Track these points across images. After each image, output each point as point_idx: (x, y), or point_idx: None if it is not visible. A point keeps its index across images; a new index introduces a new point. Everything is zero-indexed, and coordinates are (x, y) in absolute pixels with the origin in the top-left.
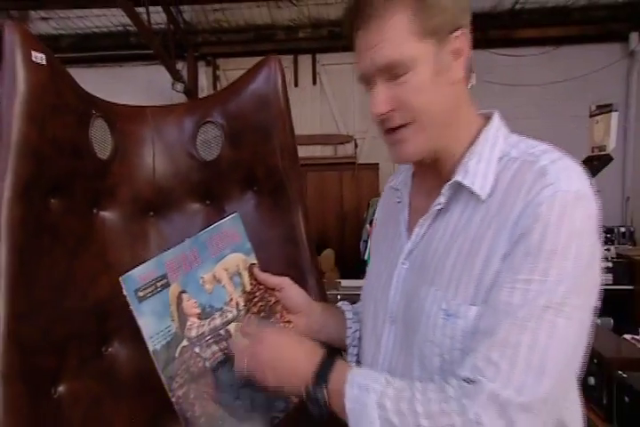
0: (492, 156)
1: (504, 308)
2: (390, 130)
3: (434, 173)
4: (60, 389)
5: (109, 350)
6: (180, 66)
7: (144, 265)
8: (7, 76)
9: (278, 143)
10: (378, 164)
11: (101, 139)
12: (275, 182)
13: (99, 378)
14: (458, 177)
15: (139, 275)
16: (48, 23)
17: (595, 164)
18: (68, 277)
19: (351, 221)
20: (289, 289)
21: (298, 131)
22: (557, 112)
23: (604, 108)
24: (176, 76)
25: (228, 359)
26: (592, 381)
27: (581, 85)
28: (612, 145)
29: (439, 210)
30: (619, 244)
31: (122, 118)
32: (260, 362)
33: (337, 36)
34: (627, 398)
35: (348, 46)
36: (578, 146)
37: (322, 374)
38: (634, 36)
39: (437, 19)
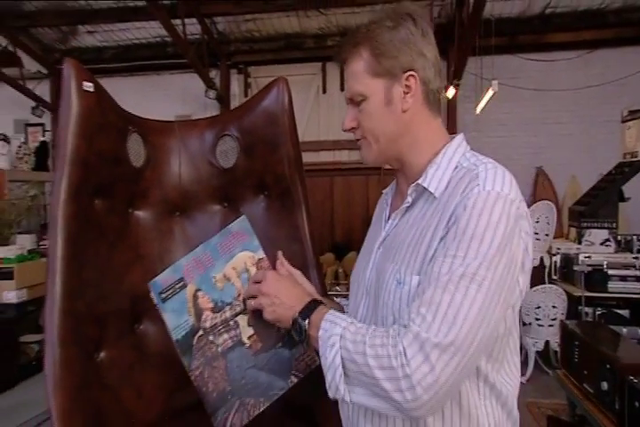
0: (448, 166)
1: (434, 275)
2: (357, 140)
3: (406, 179)
4: (102, 355)
5: (140, 327)
6: (214, 74)
7: (165, 272)
8: (64, 101)
9: (285, 154)
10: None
11: (136, 150)
12: (282, 188)
13: (131, 349)
14: (419, 180)
15: (161, 280)
16: (94, 36)
17: (626, 170)
18: (108, 264)
19: None
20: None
21: (325, 136)
22: (590, 117)
23: (637, 114)
24: (209, 83)
25: (236, 345)
26: (605, 386)
27: (617, 90)
28: None
29: (407, 207)
30: None
31: (153, 132)
32: (264, 298)
33: None
34: (638, 404)
35: None
36: (610, 152)
37: (306, 311)
38: None
39: (387, 64)
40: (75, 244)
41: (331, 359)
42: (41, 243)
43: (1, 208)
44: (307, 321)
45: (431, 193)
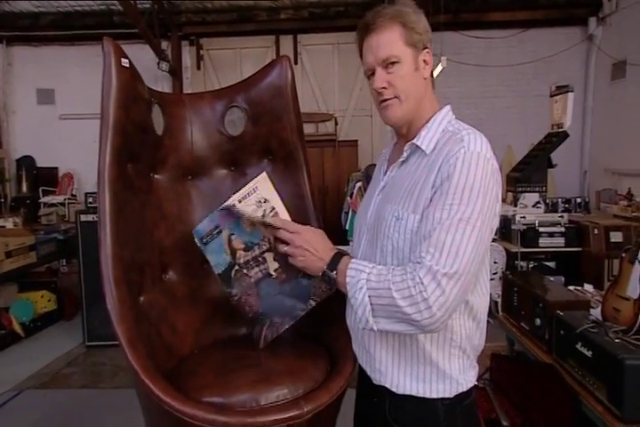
0: (437, 129)
1: (436, 220)
2: (383, 100)
3: (404, 139)
4: (142, 298)
5: (167, 276)
6: (165, 45)
7: (204, 221)
8: (106, 75)
9: (288, 122)
10: (357, 140)
11: (158, 120)
12: (286, 152)
13: (163, 294)
14: (414, 140)
15: (202, 228)
16: (30, 1)
17: (554, 140)
18: (141, 220)
19: (332, 195)
20: None
21: None
22: (524, 92)
23: (562, 89)
24: (161, 55)
25: (265, 277)
26: (538, 322)
27: (546, 67)
28: (568, 123)
29: (402, 161)
30: (575, 212)
31: (169, 104)
32: (296, 249)
33: (317, 17)
34: (562, 332)
35: (328, 27)
36: (541, 123)
37: (334, 262)
38: (592, 20)
39: (415, 38)
40: (118, 201)
41: (360, 299)
42: None
43: None
44: (334, 272)
45: (423, 150)
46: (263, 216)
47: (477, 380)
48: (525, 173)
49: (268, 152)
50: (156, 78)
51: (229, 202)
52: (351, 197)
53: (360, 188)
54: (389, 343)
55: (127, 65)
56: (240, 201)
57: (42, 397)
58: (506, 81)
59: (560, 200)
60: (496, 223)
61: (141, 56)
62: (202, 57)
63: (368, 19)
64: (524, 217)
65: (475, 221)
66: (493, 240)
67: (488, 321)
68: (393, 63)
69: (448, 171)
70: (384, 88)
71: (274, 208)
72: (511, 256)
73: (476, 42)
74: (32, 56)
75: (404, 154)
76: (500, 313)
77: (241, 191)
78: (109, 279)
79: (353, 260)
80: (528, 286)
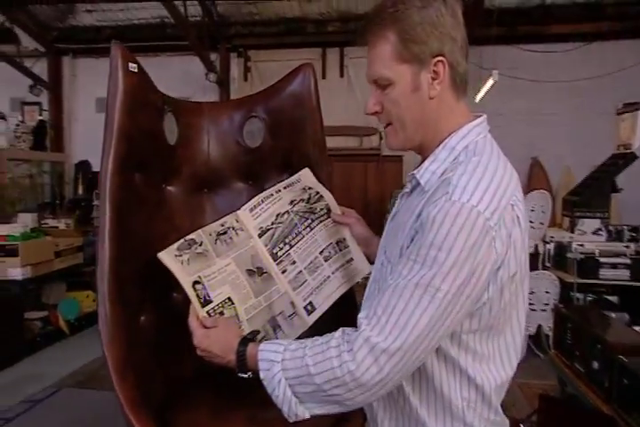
0: (447, 157)
1: (396, 276)
2: (384, 125)
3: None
4: (142, 317)
5: (174, 294)
6: (214, 57)
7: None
8: (112, 80)
9: (310, 135)
10: (402, 156)
11: (170, 128)
12: (306, 167)
13: (168, 314)
14: (415, 171)
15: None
16: (91, 15)
17: (619, 162)
18: (147, 234)
19: (374, 210)
20: (356, 226)
21: (325, 122)
22: (585, 109)
23: (631, 107)
24: (209, 66)
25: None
26: (596, 365)
27: (612, 82)
28: (637, 143)
29: (406, 194)
30: None
31: (185, 112)
32: (200, 351)
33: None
34: (626, 381)
35: None
36: (604, 143)
37: (240, 359)
38: None
39: (416, 49)
40: (120, 212)
41: (282, 395)
42: (42, 222)
43: (3, 186)
44: (246, 373)
45: (422, 186)
46: (309, 200)
47: (523, 422)
48: (585, 196)
49: (287, 166)
50: (204, 89)
51: (274, 188)
52: None
53: None
54: (391, 409)
55: (135, 70)
56: (285, 187)
57: (78, 396)
58: (565, 97)
59: (626, 228)
60: (516, 288)
61: (191, 67)
62: (249, 68)
63: (360, 25)
64: (581, 245)
65: (435, 289)
66: (545, 268)
67: (538, 356)
68: (385, 85)
69: (423, 220)
70: (376, 113)
71: (319, 193)
72: (566, 287)
73: (533, 56)
74: (93, 67)
75: (408, 186)
76: (552, 350)
77: (284, 182)
78: (104, 297)
79: (262, 345)
80: (585, 322)
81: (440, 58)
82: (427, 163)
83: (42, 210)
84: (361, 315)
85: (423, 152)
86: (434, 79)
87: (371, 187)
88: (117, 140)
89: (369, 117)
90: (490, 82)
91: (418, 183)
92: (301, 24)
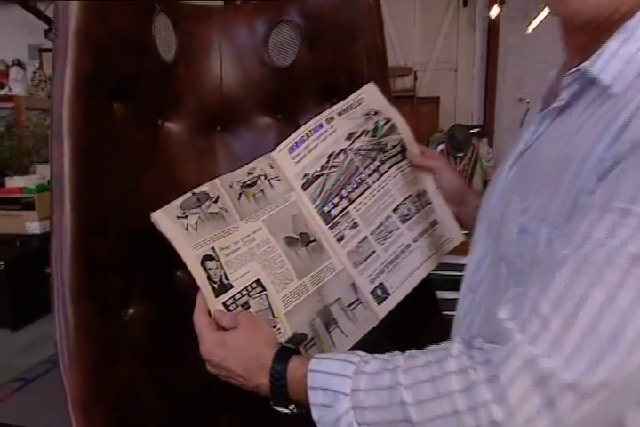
0: None
1: (580, 242)
2: None
3: (578, 57)
4: (131, 311)
5: (178, 272)
6: None
7: None
8: None
9: (364, 45)
10: (439, 97)
11: (165, 38)
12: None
13: (168, 303)
14: (586, 62)
15: None
16: None
17: None
18: (134, 192)
19: None
20: (443, 174)
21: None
22: None
23: None
24: None
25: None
26: None
27: None
28: None
29: (560, 106)
30: None
31: (186, 17)
32: (210, 367)
33: None
34: None
35: None
36: None
37: (276, 385)
38: None
39: None
40: (87, 161)
41: None
42: None
43: (19, 136)
44: (287, 406)
45: (606, 86)
46: (376, 131)
47: None
48: None
49: (331, 92)
50: None
51: (324, 115)
52: None
53: (443, 151)
54: None
55: None
56: (340, 113)
57: None
58: None
59: None
60: None
61: None
62: None
63: None
64: None
65: None
66: None
67: None
68: None
69: (636, 139)
70: None
71: (389, 121)
72: None
73: None
74: None
75: (563, 93)
76: None
77: (338, 105)
78: (63, 293)
79: (313, 362)
80: None
81: None
82: (613, 45)
83: None
84: (503, 314)
85: (600, 28)
86: None
87: None
88: (77, 47)
89: (401, 56)
90: (545, 11)
91: (590, 84)
92: None
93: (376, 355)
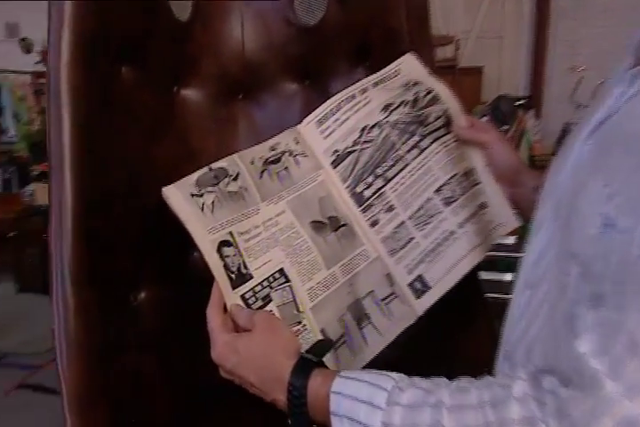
0: None
1: None
2: None
3: None
4: (142, 295)
5: (196, 253)
6: None
7: None
8: None
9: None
10: (482, 67)
11: None
12: (396, 53)
13: (183, 286)
14: None
15: None
16: None
17: None
18: (145, 165)
19: None
20: (496, 148)
21: None
22: None
23: None
24: None
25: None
26: None
27: None
28: None
29: None
30: None
31: None
32: (225, 374)
33: None
34: None
35: None
36: None
37: (296, 402)
38: None
39: None
40: (90, 131)
41: None
42: None
43: None
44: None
45: None
46: (416, 103)
47: None
48: None
49: (364, 53)
50: None
51: (358, 86)
52: None
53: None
54: None
55: None
56: (376, 84)
57: None
58: None
59: None
60: None
61: None
62: None
63: None
64: None
65: None
66: None
67: None
68: None
69: None
70: None
71: (432, 92)
72: None
73: None
74: None
75: None
76: None
77: (372, 76)
78: (62, 277)
79: (337, 382)
80: None
81: None
82: None
83: None
84: (585, 346)
85: None
86: None
87: None
88: (77, 8)
89: (442, 25)
90: None
91: None
92: None
93: (414, 379)
